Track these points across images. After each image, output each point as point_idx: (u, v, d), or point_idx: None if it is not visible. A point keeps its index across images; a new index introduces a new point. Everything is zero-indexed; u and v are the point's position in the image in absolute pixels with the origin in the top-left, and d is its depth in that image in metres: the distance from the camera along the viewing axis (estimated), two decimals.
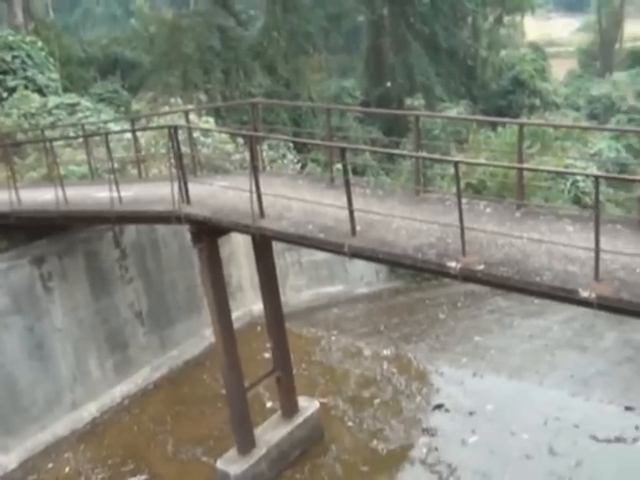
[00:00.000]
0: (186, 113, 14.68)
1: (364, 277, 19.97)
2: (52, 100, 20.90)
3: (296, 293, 18.96)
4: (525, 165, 9.96)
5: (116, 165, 12.59)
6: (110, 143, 12.28)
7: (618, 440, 12.56)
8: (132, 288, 15.35)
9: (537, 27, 50.09)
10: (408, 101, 32.03)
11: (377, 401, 14.60)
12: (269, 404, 14.26)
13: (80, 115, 20.17)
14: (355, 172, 22.77)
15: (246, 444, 12.25)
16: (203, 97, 29.64)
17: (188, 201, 10.60)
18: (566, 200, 21.76)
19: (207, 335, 15.22)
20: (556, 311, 16.76)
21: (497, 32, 40.13)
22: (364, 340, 17.14)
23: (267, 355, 14.36)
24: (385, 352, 16.47)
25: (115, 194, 11.27)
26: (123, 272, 15.14)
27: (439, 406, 14.24)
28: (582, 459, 12.10)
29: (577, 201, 21.87)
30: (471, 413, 13.87)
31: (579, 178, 22.14)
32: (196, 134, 16.57)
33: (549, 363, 15.46)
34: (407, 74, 34.67)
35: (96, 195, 12.08)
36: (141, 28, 37.53)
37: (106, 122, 18.65)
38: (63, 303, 14.00)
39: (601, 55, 45.61)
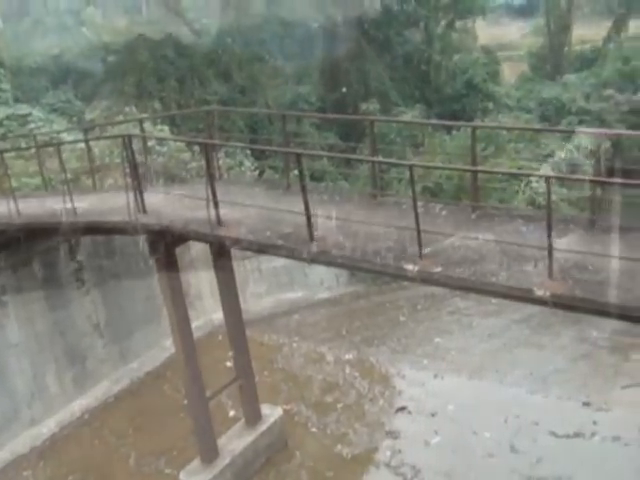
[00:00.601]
0: (140, 122, 14.54)
1: (324, 282, 20.00)
2: (2, 111, 20.53)
3: (256, 300, 18.89)
4: (479, 167, 10.09)
5: (70, 176, 12.40)
6: (63, 154, 12.11)
7: (577, 435, 12.82)
8: (90, 299, 15.15)
9: (489, 31, 50.66)
10: (363, 106, 32.13)
11: (340, 406, 14.63)
12: (232, 413, 14.18)
13: (32, 126, 19.83)
14: (313, 178, 22.76)
15: (210, 454, 12.16)
16: (158, 105, 29.28)
17: (144, 211, 10.50)
18: (521, 201, 22.10)
19: (167, 346, 15.04)
20: (514, 310, 17.01)
21: (449, 37, 40.43)
22: (326, 345, 17.17)
23: (229, 364, 14.30)
24: (347, 356, 16.52)
25: (69, 205, 11.10)
26: (80, 284, 14.92)
27: (402, 408, 14.34)
28: (543, 455, 12.32)
29: (532, 202, 22.21)
30: (433, 414, 14.00)
31: (533, 179, 22.51)
32: (151, 143, 16.40)
33: (508, 362, 15.70)
34: (362, 79, 34.83)
35: (50, 207, 11.86)
36: (93, 37, 36.98)
37: (59, 132, 18.37)
38: (18, 317, 13.74)
39: (551, 58, 46.25)
